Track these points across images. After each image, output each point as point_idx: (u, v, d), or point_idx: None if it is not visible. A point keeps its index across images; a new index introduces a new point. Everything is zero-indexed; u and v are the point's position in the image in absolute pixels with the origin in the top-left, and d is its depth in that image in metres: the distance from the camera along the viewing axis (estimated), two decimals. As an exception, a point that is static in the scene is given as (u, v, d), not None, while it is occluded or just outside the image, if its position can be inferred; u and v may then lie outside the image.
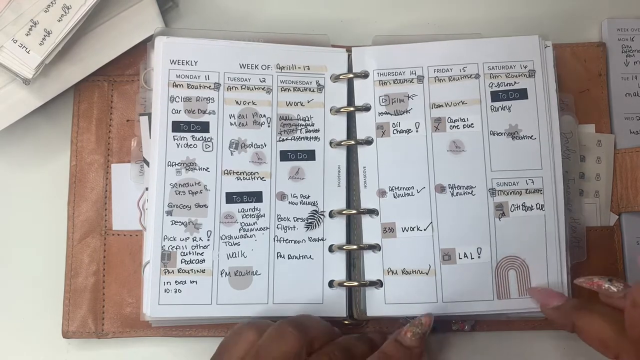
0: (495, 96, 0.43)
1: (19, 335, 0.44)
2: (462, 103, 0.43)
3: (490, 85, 0.43)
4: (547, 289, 0.40)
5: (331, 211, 0.42)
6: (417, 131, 0.43)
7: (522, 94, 0.43)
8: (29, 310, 0.45)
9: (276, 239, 0.42)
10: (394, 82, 0.43)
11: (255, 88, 0.43)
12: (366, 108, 0.43)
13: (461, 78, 0.43)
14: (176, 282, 0.40)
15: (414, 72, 0.43)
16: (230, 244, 0.41)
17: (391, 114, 0.43)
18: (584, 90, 0.47)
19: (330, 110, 0.44)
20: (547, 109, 0.43)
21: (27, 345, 0.44)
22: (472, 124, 0.43)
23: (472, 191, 0.42)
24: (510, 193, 0.42)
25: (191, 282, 0.41)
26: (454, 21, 0.49)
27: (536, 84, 0.43)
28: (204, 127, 0.42)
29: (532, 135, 0.42)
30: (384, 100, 0.43)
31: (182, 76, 0.42)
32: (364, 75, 0.44)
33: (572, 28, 0.49)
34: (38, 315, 0.44)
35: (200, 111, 0.42)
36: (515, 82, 0.43)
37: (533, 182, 0.42)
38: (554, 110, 0.43)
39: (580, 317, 0.36)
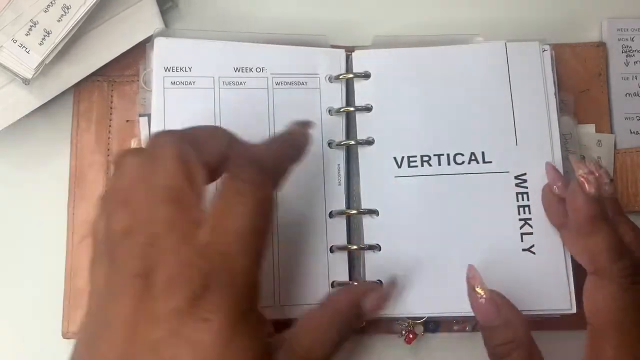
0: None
1: (18, 335, 0.44)
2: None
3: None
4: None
5: (331, 211, 0.42)
6: None
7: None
8: (29, 310, 0.44)
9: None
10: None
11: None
12: (367, 108, 0.43)
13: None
14: (177, 282, 0.40)
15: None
16: (231, 244, 0.41)
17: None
18: (584, 90, 0.47)
19: (329, 111, 0.44)
20: (546, 112, 0.42)
21: (27, 345, 0.44)
22: None
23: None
24: None
25: (192, 283, 0.41)
26: (453, 22, 0.49)
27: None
28: None
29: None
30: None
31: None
32: (365, 75, 0.43)
33: (572, 28, 0.49)
34: (38, 315, 0.44)
35: None
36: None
37: None
38: (553, 113, 0.42)
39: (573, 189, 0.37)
